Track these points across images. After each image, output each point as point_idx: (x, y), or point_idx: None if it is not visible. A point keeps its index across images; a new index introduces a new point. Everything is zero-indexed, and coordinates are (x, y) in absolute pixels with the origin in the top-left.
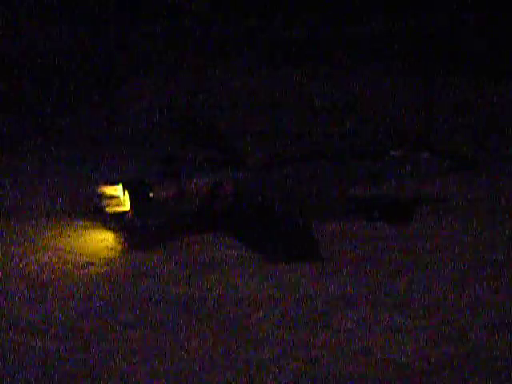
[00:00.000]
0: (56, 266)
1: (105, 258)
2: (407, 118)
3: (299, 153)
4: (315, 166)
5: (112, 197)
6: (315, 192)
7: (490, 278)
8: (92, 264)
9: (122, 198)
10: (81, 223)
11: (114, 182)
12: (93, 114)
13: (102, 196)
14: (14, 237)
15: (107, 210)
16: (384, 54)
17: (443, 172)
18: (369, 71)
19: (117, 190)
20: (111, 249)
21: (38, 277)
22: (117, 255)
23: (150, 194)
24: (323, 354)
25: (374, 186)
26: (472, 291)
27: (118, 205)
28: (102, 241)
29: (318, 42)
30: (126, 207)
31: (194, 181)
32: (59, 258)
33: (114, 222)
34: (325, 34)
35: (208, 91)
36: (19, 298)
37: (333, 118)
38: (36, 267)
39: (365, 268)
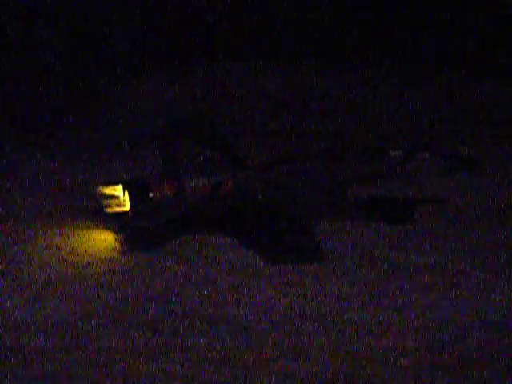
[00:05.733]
0: (56, 266)
1: (105, 258)
2: (406, 118)
3: (299, 153)
4: (315, 165)
5: (112, 197)
6: (315, 192)
7: (491, 279)
8: (92, 264)
9: (121, 198)
10: (81, 223)
11: (113, 182)
12: (92, 114)
13: (102, 196)
14: (14, 237)
15: (107, 210)
16: (383, 53)
17: (443, 172)
18: (368, 70)
19: (117, 190)
20: (111, 249)
21: (38, 277)
22: (117, 255)
23: (150, 194)
24: (323, 354)
25: (373, 185)
26: (472, 292)
27: (118, 205)
28: (102, 241)
29: (317, 42)
30: (126, 207)
31: (194, 181)
32: (59, 257)
33: (114, 223)
34: (325, 34)
35: (208, 91)
36: (19, 298)
37: (332, 117)
38: (36, 267)
39: (365, 268)
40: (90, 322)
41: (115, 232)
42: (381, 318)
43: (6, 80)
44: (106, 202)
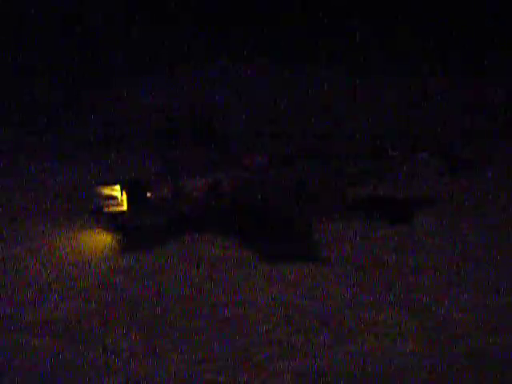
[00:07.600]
0: (56, 266)
1: (104, 258)
2: (406, 118)
3: (298, 153)
4: (314, 166)
5: (110, 197)
6: (315, 192)
7: (491, 279)
8: (91, 264)
9: (120, 198)
10: (80, 223)
11: (112, 182)
12: (91, 114)
13: (101, 196)
14: (13, 237)
15: (106, 210)
16: (382, 53)
17: (442, 172)
18: (367, 71)
19: (115, 190)
20: (110, 249)
21: (37, 277)
22: (116, 255)
23: (148, 194)
24: (323, 354)
25: (373, 185)
26: (472, 292)
27: (116, 205)
28: (100, 241)
29: (317, 42)
30: (125, 207)
31: (193, 181)
32: (59, 258)
33: (113, 223)
34: (325, 34)
35: (207, 91)
36: (19, 298)
37: (331, 117)
38: (35, 267)
39: (364, 268)
40: (90, 322)
41: (114, 232)
42: (381, 318)
43: (4, 78)
44: (104, 201)
